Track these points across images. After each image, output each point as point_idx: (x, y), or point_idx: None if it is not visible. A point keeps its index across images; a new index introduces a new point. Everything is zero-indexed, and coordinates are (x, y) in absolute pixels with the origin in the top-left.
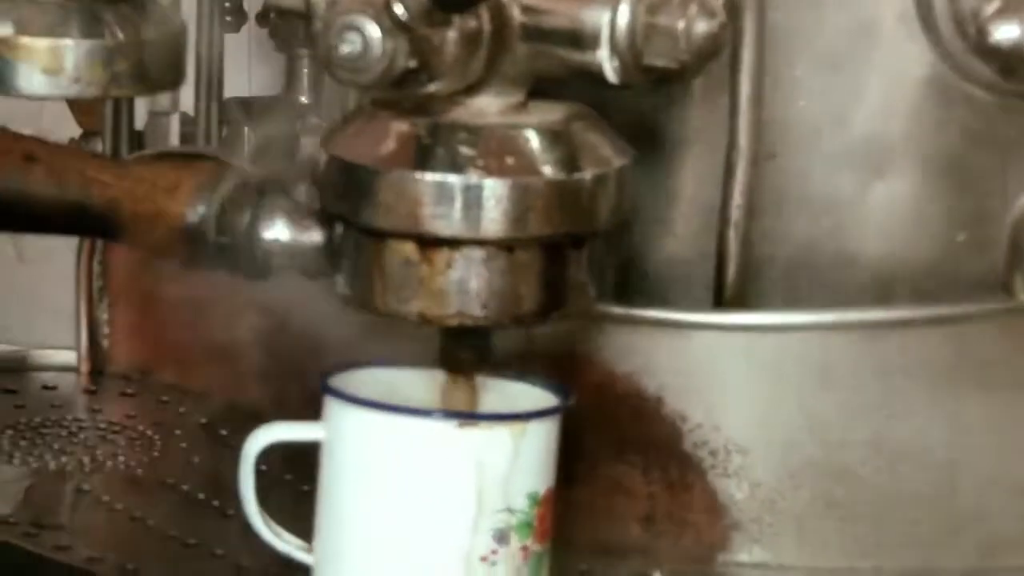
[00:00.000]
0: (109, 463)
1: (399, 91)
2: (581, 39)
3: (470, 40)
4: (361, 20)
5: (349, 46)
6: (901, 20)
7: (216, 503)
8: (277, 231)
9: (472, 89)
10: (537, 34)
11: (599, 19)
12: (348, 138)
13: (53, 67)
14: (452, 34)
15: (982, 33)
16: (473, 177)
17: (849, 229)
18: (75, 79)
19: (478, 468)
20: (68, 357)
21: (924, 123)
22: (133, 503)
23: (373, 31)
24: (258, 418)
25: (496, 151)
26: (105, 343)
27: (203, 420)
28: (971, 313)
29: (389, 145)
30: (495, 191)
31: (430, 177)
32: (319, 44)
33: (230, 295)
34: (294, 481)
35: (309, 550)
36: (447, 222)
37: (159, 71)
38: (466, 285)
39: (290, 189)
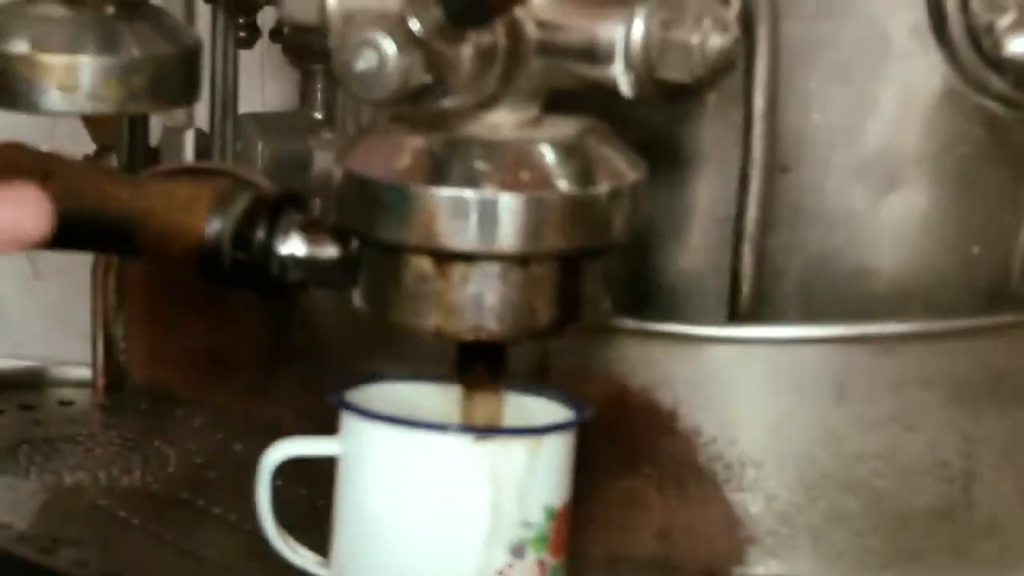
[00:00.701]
0: (125, 478)
1: (414, 106)
2: (596, 54)
3: (485, 55)
4: (377, 36)
5: (365, 62)
6: (915, 33)
7: (232, 518)
8: (293, 246)
9: (487, 104)
10: (552, 49)
11: (614, 34)
12: (363, 153)
13: (69, 84)
14: (467, 49)
15: (996, 46)
16: (488, 192)
17: (863, 242)
18: (91, 95)
19: (494, 482)
20: (84, 373)
21: (938, 136)
22: (149, 518)
23: (388, 47)
24: (274, 433)
25: (511, 165)
26: (121, 359)
27: (219, 435)
28: (985, 325)
29: (404, 160)
30: (510, 205)
31: (445, 192)
32: (335, 60)
33: (245, 310)
34: (310, 496)
35: (325, 564)
36: (463, 237)
37: (175, 87)
38: (482, 299)
39: (306, 204)
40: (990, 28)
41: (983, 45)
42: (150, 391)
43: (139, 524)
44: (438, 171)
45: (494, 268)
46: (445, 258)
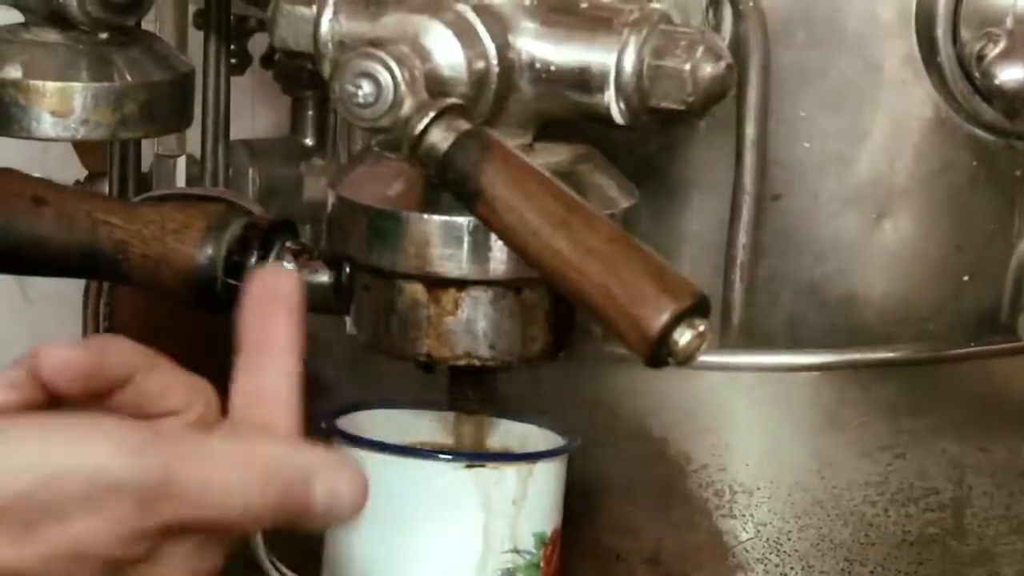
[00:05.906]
0: None
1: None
2: (588, 81)
3: (478, 82)
4: (374, 66)
5: (362, 91)
6: (906, 62)
7: None
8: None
9: None
10: (544, 76)
11: (606, 61)
12: (356, 179)
13: (62, 109)
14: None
15: (986, 75)
16: None
17: (854, 270)
18: (83, 121)
19: (485, 509)
20: None
21: (929, 164)
22: None
23: (386, 77)
24: None
25: None
26: None
27: None
28: (976, 353)
29: (397, 186)
30: None
31: (438, 218)
32: (331, 86)
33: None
34: None
35: None
36: (455, 263)
37: (167, 113)
38: (473, 326)
39: (297, 230)
40: (980, 57)
41: (973, 74)
42: None
43: None
44: (431, 197)
45: (486, 295)
46: (437, 284)
